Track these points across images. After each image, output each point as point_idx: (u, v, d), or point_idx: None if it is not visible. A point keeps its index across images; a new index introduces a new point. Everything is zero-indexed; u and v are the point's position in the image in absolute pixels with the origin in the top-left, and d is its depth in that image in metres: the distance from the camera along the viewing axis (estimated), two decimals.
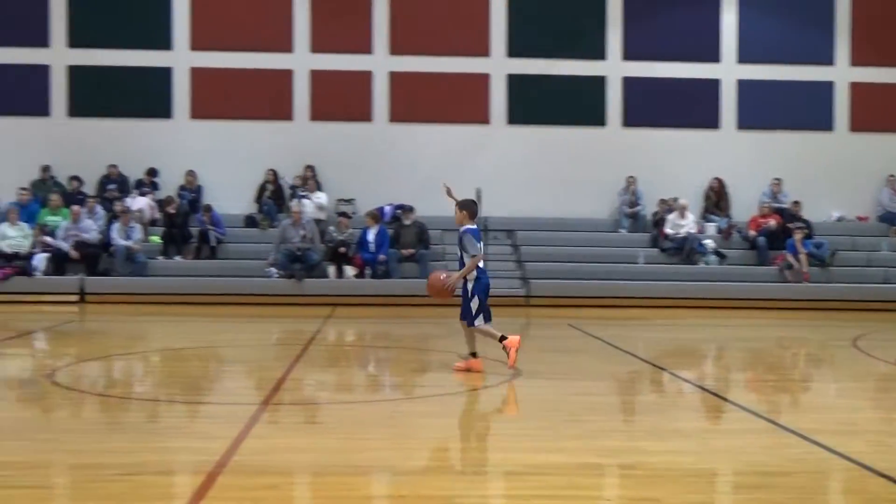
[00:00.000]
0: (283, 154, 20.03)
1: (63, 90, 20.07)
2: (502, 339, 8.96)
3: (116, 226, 17.99)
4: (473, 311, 8.93)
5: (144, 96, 20.10)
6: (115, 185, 19.52)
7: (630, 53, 20.71)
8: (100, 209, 18.74)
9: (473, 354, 9.05)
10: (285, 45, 20.29)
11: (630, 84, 20.71)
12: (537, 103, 20.49)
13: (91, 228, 18.12)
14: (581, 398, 7.92)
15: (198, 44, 20.19)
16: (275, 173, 19.83)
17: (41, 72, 19.97)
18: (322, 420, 7.17)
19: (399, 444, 6.08)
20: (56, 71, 20.05)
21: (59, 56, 20.04)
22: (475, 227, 9.09)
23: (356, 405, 7.78)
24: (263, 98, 20.21)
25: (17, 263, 17.43)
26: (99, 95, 20.01)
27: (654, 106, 20.67)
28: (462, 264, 8.97)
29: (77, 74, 20.05)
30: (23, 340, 12.42)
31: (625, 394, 8.72)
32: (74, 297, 17.21)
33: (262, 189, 19.86)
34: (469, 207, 9.13)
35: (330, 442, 6.11)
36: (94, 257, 17.77)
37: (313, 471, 5.49)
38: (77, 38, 20.02)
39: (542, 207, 20.20)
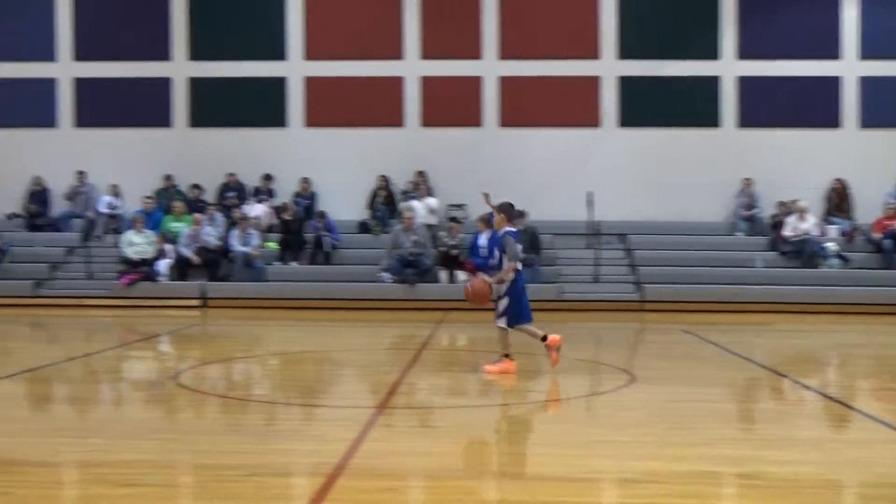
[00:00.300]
0: (395, 160, 20.25)
1: (184, 102, 20.78)
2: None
3: (235, 232, 18.51)
4: (500, 311, 9.22)
5: (261, 106, 20.64)
6: (233, 193, 20.08)
7: (745, 52, 20.20)
8: (219, 216, 19.31)
9: (507, 356, 9.24)
10: (396, 53, 20.53)
11: (745, 84, 20.20)
12: (649, 105, 20.18)
13: (211, 235, 18.69)
14: (697, 405, 7.76)
15: (311, 54, 20.63)
16: (386, 179, 20.08)
17: (163, 84, 20.73)
18: (436, 424, 7.22)
19: (512, 449, 6.07)
20: (177, 83, 20.77)
21: (179, 69, 20.75)
22: (515, 229, 9.12)
23: (470, 409, 7.81)
24: (375, 105, 20.48)
25: (143, 269, 18.13)
26: (217, 106, 20.64)
27: (770, 105, 20.11)
28: (501, 266, 9.01)
29: (197, 86, 20.74)
30: (148, 343, 12.91)
31: (743, 401, 8.51)
32: (196, 302, 17.80)
33: (374, 195, 20.14)
34: (507, 210, 9.23)
35: (445, 446, 6.15)
36: (214, 263, 18.33)
37: (429, 474, 5.53)
38: (197, 52, 20.71)
39: (656, 211, 19.88)
